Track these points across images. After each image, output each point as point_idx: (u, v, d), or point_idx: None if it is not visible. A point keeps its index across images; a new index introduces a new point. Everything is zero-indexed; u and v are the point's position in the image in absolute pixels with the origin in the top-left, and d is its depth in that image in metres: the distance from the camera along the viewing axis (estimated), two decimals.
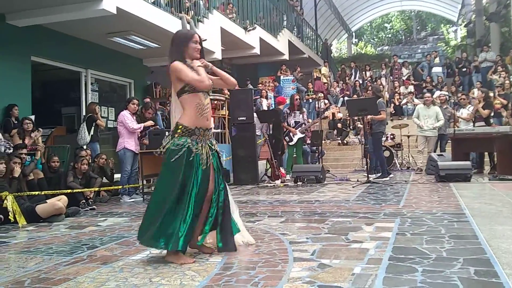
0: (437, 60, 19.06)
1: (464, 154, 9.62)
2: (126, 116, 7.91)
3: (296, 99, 10.67)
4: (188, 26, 10.27)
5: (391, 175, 9.60)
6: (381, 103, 9.65)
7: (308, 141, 11.96)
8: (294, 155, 10.55)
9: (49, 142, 9.61)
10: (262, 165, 10.22)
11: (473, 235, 3.70)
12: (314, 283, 2.62)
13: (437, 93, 14.34)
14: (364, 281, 2.62)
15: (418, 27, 42.65)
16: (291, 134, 10.34)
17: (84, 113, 10.22)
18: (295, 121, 10.54)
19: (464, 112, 11.13)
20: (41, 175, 6.94)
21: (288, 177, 10.07)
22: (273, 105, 14.74)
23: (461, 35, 31.98)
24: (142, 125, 8.06)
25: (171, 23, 9.76)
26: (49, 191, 6.46)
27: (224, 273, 2.93)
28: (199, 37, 3.60)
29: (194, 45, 3.49)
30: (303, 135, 10.76)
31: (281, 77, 17.21)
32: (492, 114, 10.45)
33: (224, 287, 2.65)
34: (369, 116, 9.13)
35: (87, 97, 10.45)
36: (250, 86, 14.65)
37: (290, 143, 10.41)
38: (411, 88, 16.93)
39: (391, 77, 18.56)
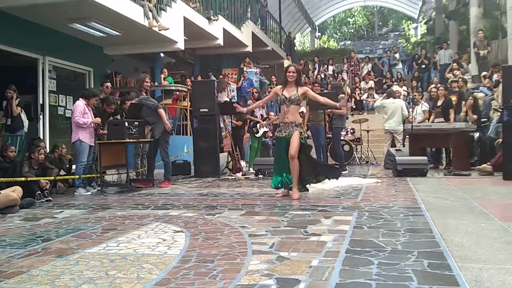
0: (397, 55, 19.41)
1: (421, 149, 9.86)
2: (79, 106, 7.49)
3: (253, 93, 10.96)
4: (150, 14, 10.09)
5: (346, 171, 9.61)
6: (342, 99, 9.76)
7: (270, 134, 12.00)
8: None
9: (4, 131, 9.28)
10: (223, 157, 10.20)
11: (428, 229, 3.80)
12: (272, 275, 2.64)
13: (394, 88, 14.54)
14: (321, 274, 2.66)
15: (380, 23, 43.22)
16: (258, 126, 10.38)
17: (41, 102, 9.96)
18: (260, 114, 10.63)
19: (419, 109, 11.42)
20: None
21: (251, 169, 10.05)
22: (235, 98, 14.69)
23: (421, 32, 32.67)
24: (89, 121, 7.51)
25: (133, 11, 9.58)
26: (2, 179, 6.25)
27: (182, 266, 2.91)
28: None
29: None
30: (267, 129, 10.87)
31: (244, 69, 17.15)
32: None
33: (182, 280, 2.63)
34: (330, 110, 9.27)
35: (44, 85, 10.15)
36: (213, 78, 14.56)
37: (257, 135, 10.45)
38: (371, 84, 17.19)
39: (352, 72, 18.78)
